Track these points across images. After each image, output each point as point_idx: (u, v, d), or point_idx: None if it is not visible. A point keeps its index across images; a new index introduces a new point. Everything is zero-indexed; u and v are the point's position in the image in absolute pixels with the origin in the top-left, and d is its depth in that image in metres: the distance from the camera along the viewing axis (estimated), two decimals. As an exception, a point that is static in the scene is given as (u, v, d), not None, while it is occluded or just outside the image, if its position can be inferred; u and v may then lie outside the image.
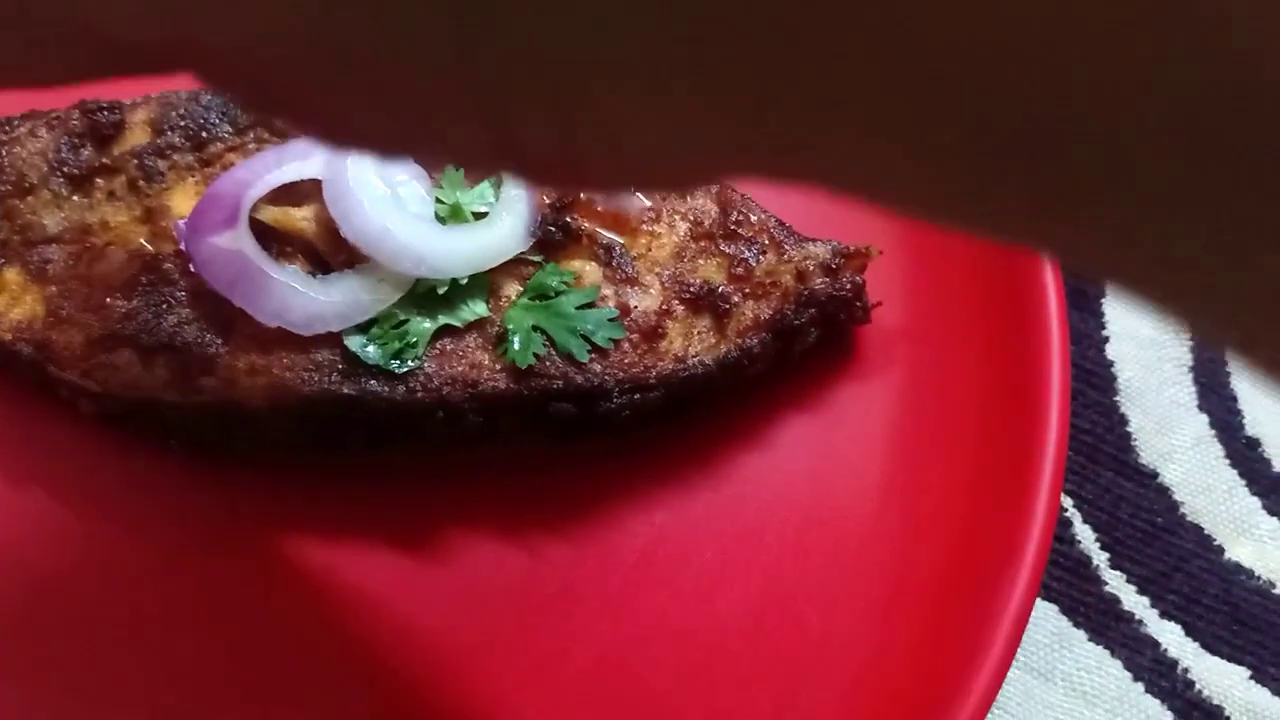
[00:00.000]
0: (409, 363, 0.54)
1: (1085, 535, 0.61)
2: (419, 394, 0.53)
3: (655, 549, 0.56)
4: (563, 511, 0.57)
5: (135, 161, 0.57)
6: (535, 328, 0.55)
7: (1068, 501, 0.61)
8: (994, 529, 0.55)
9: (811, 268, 0.57)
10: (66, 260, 0.55)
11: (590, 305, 0.56)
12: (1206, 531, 0.61)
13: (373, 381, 0.53)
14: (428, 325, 0.54)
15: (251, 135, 0.58)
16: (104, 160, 0.57)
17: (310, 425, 0.54)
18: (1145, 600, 0.60)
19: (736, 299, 0.56)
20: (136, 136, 0.58)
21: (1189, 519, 0.62)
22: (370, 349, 0.54)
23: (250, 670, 0.53)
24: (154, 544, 0.55)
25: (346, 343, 0.53)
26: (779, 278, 0.57)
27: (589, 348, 0.55)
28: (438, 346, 0.54)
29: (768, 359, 0.57)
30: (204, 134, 0.58)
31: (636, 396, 0.55)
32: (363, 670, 0.53)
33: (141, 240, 0.56)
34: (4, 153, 0.57)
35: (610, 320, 0.55)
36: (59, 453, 0.56)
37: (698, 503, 0.57)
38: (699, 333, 0.56)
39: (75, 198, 0.57)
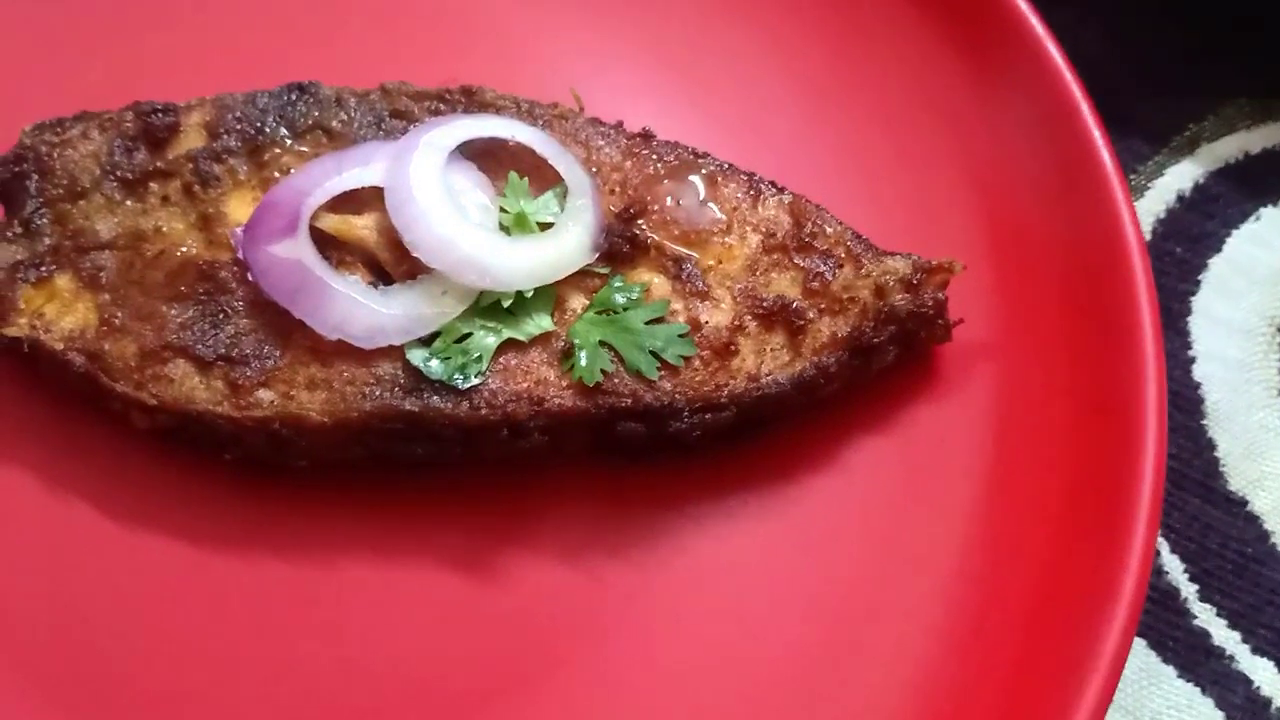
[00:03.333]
0: (473, 378, 0.52)
1: (1173, 566, 0.58)
2: (483, 410, 0.51)
3: (721, 573, 0.54)
4: (626, 533, 0.55)
5: (190, 166, 0.56)
6: (602, 343, 0.53)
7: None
8: (1087, 562, 0.52)
9: (891, 283, 0.54)
10: (119, 267, 0.54)
11: (660, 320, 0.53)
12: (1299, 564, 0.58)
13: (435, 397, 0.51)
14: (492, 340, 0.53)
15: (309, 140, 0.56)
16: (158, 164, 0.56)
17: (369, 440, 0.52)
18: (1236, 635, 0.57)
19: (812, 315, 0.54)
20: (191, 139, 0.56)
21: (1281, 549, 0.59)
22: (434, 363, 0.52)
23: (299, 686, 0.51)
24: (205, 561, 0.53)
25: (409, 356, 0.52)
26: (857, 293, 0.54)
27: (658, 365, 0.53)
28: (501, 362, 0.53)
29: (844, 378, 0.55)
30: (260, 137, 0.56)
31: (708, 416, 0.53)
32: (417, 691, 0.51)
33: (197, 247, 0.54)
34: (56, 155, 0.55)
35: (680, 336, 0.53)
36: (110, 467, 0.54)
37: (766, 526, 0.55)
38: (773, 350, 0.54)
39: (128, 202, 0.55)
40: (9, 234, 0.54)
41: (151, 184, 0.55)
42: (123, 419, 0.53)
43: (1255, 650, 0.57)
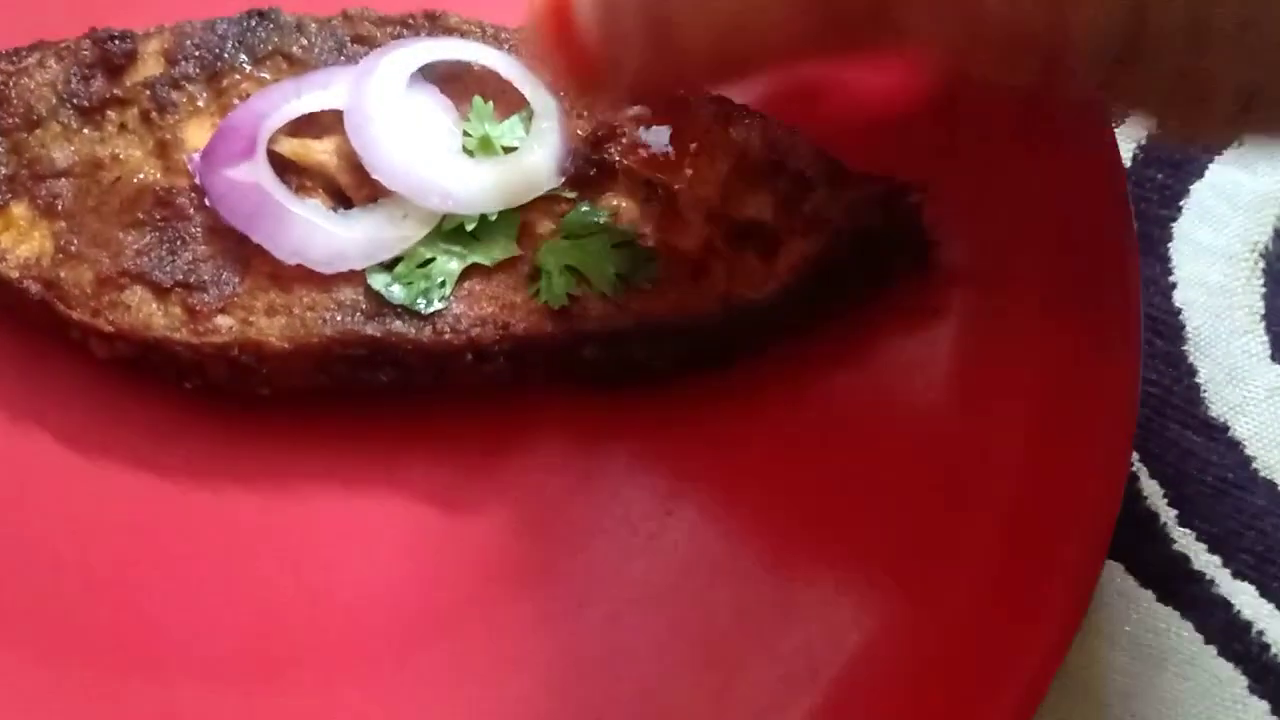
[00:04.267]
0: (436, 303, 0.51)
1: (1152, 491, 0.58)
2: (447, 335, 0.51)
3: (684, 505, 0.53)
4: (585, 461, 0.54)
5: (148, 93, 0.55)
6: (569, 267, 0.52)
7: (1133, 456, 0.58)
8: (1058, 481, 0.52)
9: (864, 203, 0.53)
10: (76, 195, 0.53)
11: (628, 244, 0.53)
12: (1280, 488, 0.58)
13: (398, 322, 0.51)
14: (455, 264, 0.52)
15: (269, 66, 0.56)
16: (115, 92, 0.55)
17: (332, 367, 0.52)
18: (1216, 559, 0.57)
19: (784, 235, 0.53)
20: (149, 67, 0.55)
21: (1262, 474, 0.58)
22: (395, 288, 0.51)
23: (263, 611, 0.51)
24: (169, 489, 0.53)
25: (370, 281, 0.51)
26: (829, 213, 0.53)
27: (625, 288, 0.52)
28: (465, 287, 0.52)
29: (816, 302, 0.54)
30: (219, 64, 0.55)
31: (675, 340, 0.52)
32: (383, 617, 0.51)
33: (155, 174, 0.54)
34: (12, 84, 0.54)
35: (648, 259, 0.52)
36: (69, 396, 0.54)
37: (731, 457, 0.54)
38: (744, 271, 0.53)
39: (85, 130, 0.54)
40: None
41: (109, 111, 0.55)
42: (82, 348, 0.52)
43: (1236, 574, 0.56)
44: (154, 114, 0.54)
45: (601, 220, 0.53)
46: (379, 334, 0.51)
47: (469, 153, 0.53)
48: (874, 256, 0.54)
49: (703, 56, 0.43)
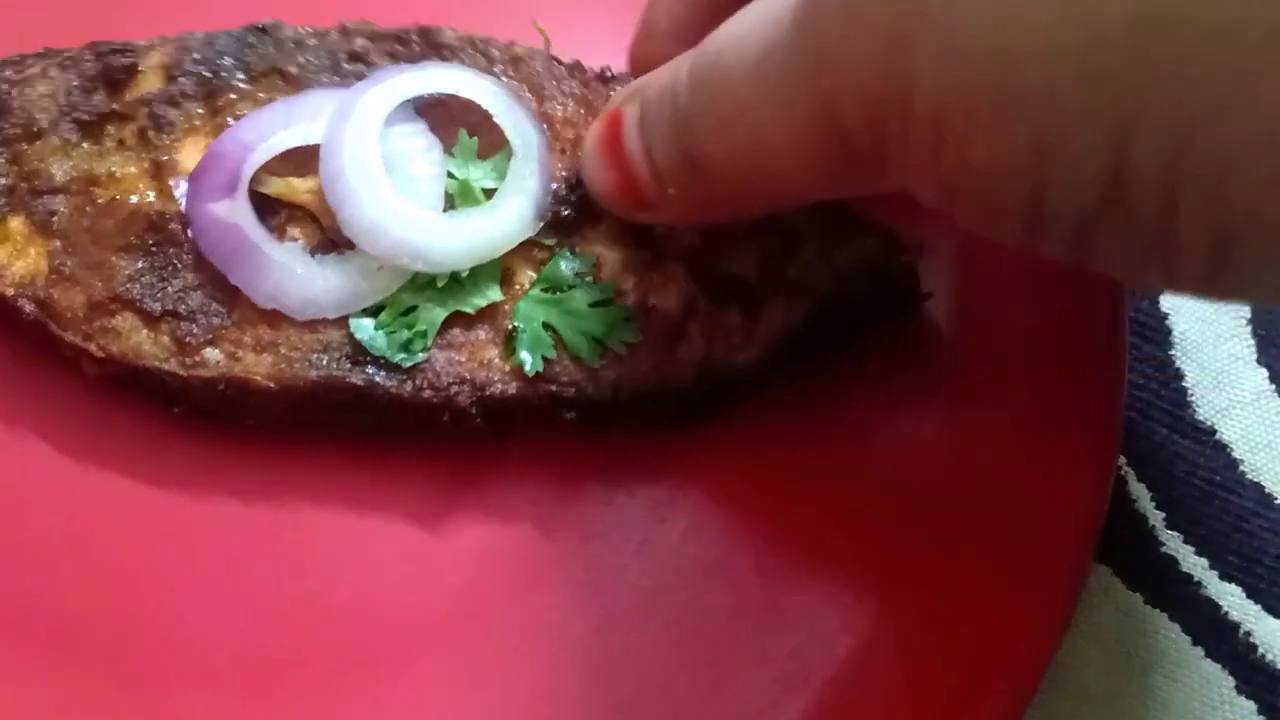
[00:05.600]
0: (418, 354, 0.51)
1: (1140, 494, 0.59)
2: (425, 393, 0.51)
3: (673, 505, 0.54)
4: (573, 495, 0.54)
5: (146, 109, 0.55)
6: (546, 325, 0.52)
7: (1121, 459, 0.59)
8: (1046, 486, 0.53)
9: (853, 270, 0.52)
10: (71, 213, 0.53)
11: (607, 302, 0.52)
12: (1267, 490, 0.59)
13: (381, 373, 0.51)
14: (439, 312, 0.52)
15: (265, 84, 0.55)
16: (115, 106, 0.55)
17: (315, 407, 0.52)
18: (1204, 561, 0.57)
19: (768, 297, 0.52)
20: (150, 81, 0.55)
21: (1249, 477, 0.59)
22: (378, 337, 0.51)
23: (258, 625, 0.52)
24: (165, 502, 0.53)
25: (352, 328, 0.51)
26: (817, 280, 0.52)
27: (602, 353, 0.51)
28: (447, 337, 0.52)
29: (799, 358, 0.54)
30: (216, 80, 0.55)
31: (652, 403, 0.52)
32: (379, 628, 0.52)
33: (149, 195, 0.54)
34: (15, 93, 0.55)
35: (626, 320, 0.52)
36: (67, 406, 0.54)
37: (721, 466, 0.54)
38: (724, 331, 0.52)
39: (85, 145, 0.55)
40: None
41: (108, 127, 0.55)
42: (74, 364, 0.53)
43: (1223, 576, 0.57)
44: (151, 132, 0.54)
45: (582, 272, 0.53)
46: (362, 383, 0.51)
47: (449, 195, 0.53)
48: (861, 315, 0.53)
49: (732, 190, 0.45)
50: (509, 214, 0.52)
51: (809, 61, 0.38)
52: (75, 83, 0.55)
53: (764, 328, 0.52)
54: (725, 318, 0.52)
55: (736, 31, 0.42)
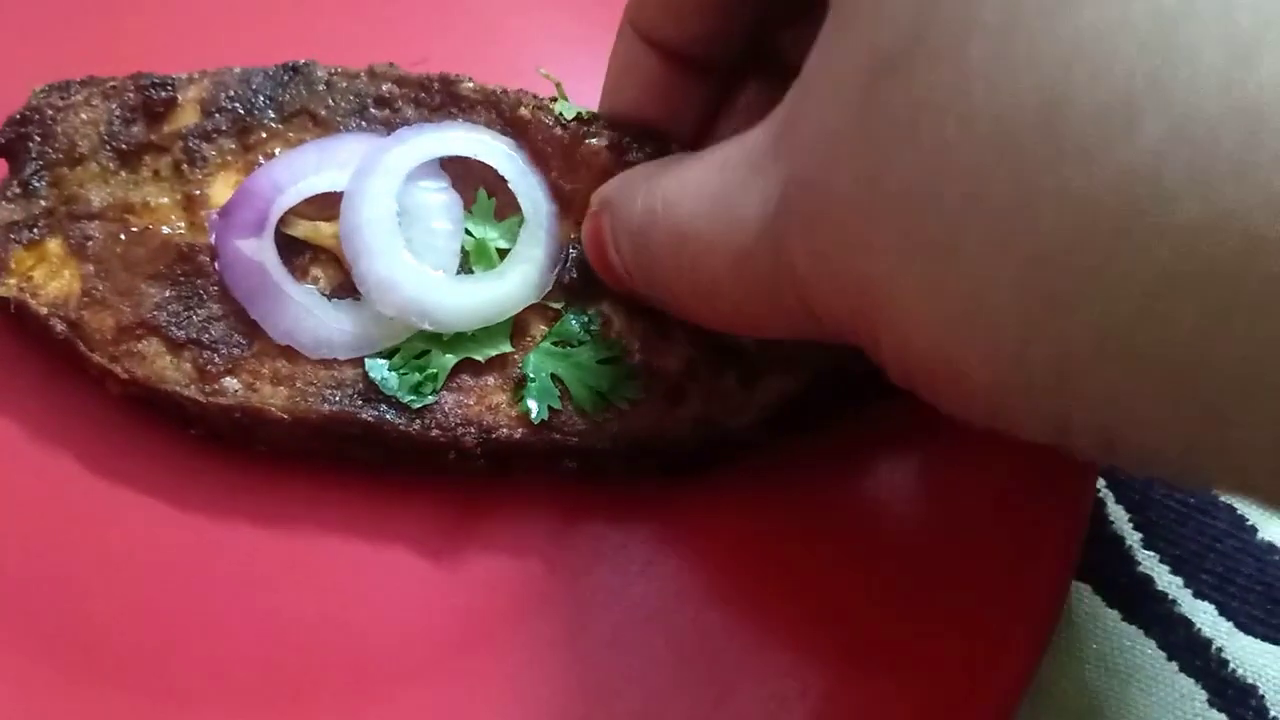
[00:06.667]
0: (428, 396, 0.53)
1: (1118, 515, 0.61)
2: (434, 432, 0.53)
3: (666, 544, 0.56)
4: (577, 524, 0.56)
5: (181, 143, 0.57)
6: (554, 376, 0.54)
7: (1100, 482, 0.61)
8: (1027, 507, 0.55)
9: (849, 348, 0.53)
10: (106, 239, 0.55)
11: (614, 360, 0.54)
12: (1239, 512, 0.61)
13: (391, 411, 0.53)
14: (450, 358, 0.54)
15: (295, 124, 0.57)
16: (153, 138, 0.57)
17: (329, 439, 0.54)
18: (1179, 580, 0.60)
19: (765, 367, 0.54)
20: (187, 115, 0.57)
21: (1223, 500, 0.61)
22: (391, 378, 0.53)
23: (279, 644, 0.54)
24: (188, 523, 0.55)
25: (367, 367, 0.54)
26: (812, 358, 0.54)
27: (605, 406, 0.54)
28: (457, 380, 0.54)
29: (794, 427, 0.56)
30: (249, 118, 0.57)
31: (651, 458, 0.54)
32: (396, 647, 0.54)
33: (180, 227, 0.56)
34: (59, 119, 0.57)
35: (630, 378, 0.54)
36: (94, 425, 0.56)
37: (715, 507, 0.56)
38: (722, 396, 0.54)
39: (122, 173, 0.57)
40: (8, 194, 0.56)
41: (145, 157, 0.57)
42: (100, 383, 0.55)
43: (1197, 594, 0.60)
44: (185, 166, 0.56)
45: (592, 327, 0.55)
46: (372, 419, 0.53)
47: (465, 251, 0.55)
48: (856, 389, 0.54)
49: (698, 318, 0.48)
50: (516, 281, 0.54)
51: (784, 275, 0.40)
52: (117, 112, 0.57)
53: (760, 397, 0.54)
54: (723, 383, 0.54)
55: (687, 187, 0.45)
